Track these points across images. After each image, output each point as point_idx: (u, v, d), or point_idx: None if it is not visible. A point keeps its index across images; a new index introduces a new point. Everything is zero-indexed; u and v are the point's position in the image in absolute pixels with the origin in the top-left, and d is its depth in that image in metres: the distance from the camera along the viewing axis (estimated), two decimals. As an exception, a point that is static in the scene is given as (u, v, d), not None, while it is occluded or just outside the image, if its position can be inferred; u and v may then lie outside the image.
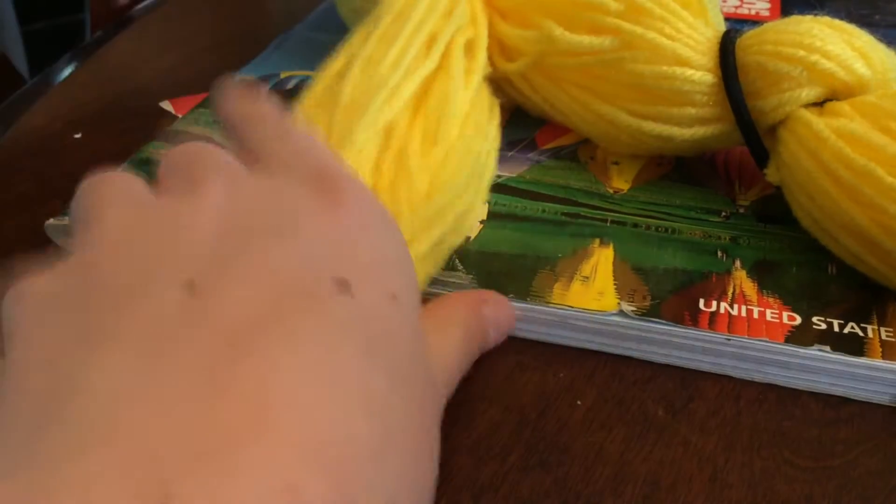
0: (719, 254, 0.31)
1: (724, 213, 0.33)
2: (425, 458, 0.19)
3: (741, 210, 0.33)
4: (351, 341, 0.18)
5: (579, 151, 0.36)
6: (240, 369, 0.16)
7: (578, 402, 0.27)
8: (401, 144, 0.28)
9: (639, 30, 0.32)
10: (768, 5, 0.51)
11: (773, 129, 0.32)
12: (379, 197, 0.27)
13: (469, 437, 0.26)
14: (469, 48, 0.33)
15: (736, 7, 0.50)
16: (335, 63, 0.31)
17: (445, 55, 0.31)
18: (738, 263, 0.30)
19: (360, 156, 0.27)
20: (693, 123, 0.32)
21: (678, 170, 0.35)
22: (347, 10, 0.42)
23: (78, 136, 0.41)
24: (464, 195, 0.29)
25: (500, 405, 0.27)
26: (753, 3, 0.51)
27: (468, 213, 0.31)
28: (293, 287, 0.18)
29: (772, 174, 0.32)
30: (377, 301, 0.19)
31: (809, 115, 0.30)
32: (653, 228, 0.32)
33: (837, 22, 0.31)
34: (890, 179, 0.27)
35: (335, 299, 0.18)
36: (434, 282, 0.29)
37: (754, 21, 0.49)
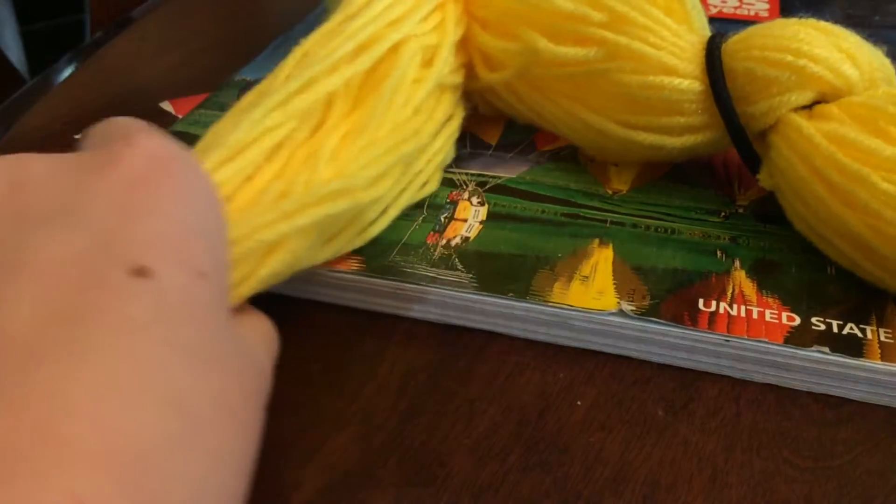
0: (718, 254, 0.31)
1: (723, 214, 0.33)
2: (241, 441, 0.18)
3: (740, 210, 0.33)
4: (149, 334, 0.17)
5: (579, 153, 0.36)
6: (27, 384, 0.15)
7: (578, 403, 0.27)
8: (321, 136, 0.28)
9: (623, 40, 0.31)
10: (767, 6, 0.51)
11: (764, 135, 0.31)
12: (280, 177, 0.26)
13: (469, 437, 0.26)
14: (427, 56, 0.32)
15: (735, 7, 0.50)
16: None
17: (389, 59, 0.31)
18: (737, 263, 0.30)
19: (267, 136, 0.27)
20: (683, 132, 0.32)
21: (677, 171, 0.35)
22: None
23: (78, 136, 0.41)
24: (370, 189, 0.28)
25: (500, 405, 0.27)
26: (753, 4, 0.51)
27: (369, 221, 0.30)
28: (82, 279, 0.17)
29: (764, 180, 0.31)
30: (182, 281, 0.18)
31: (800, 120, 0.29)
32: (652, 229, 0.32)
33: (823, 24, 0.31)
34: (884, 185, 0.27)
35: (131, 287, 0.17)
36: (433, 280, 0.29)
37: (754, 22, 0.49)
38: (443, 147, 0.34)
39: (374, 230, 0.30)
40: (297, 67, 0.29)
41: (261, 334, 0.24)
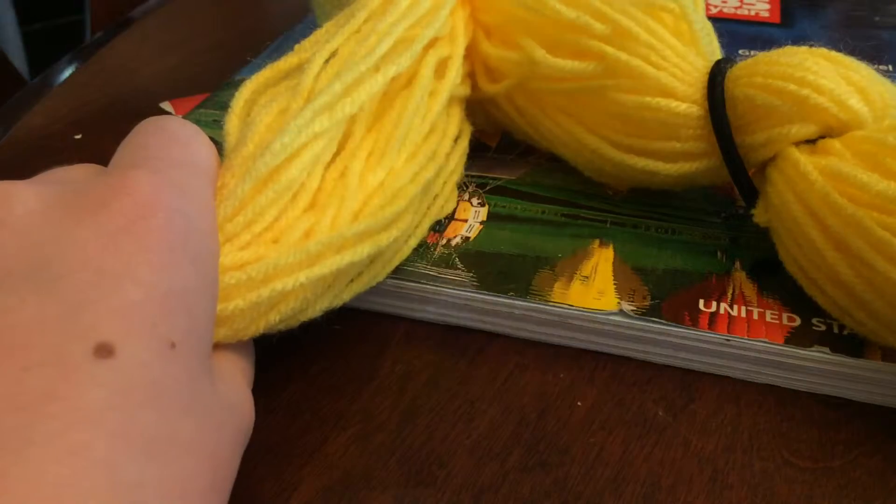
0: (719, 254, 0.31)
1: (723, 214, 0.33)
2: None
3: (740, 211, 0.33)
4: (101, 426, 0.17)
5: (579, 152, 0.36)
6: None
7: (578, 403, 0.27)
8: (348, 154, 0.27)
9: (623, 56, 0.30)
10: (768, 6, 0.51)
11: (764, 168, 0.29)
12: (313, 205, 0.25)
13: (469, 437, 0.26)
14: (440, 67, 0.31)
15: (736, 8, 0.50)
16: (291, 56, 0.30)
17: (414, 67, 0.30)
18: (737, 264, 0.30)
19: (316, 144, 0.26)
20: (678, 158, 0.31)
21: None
22: (323, 18, 0.41)
23: (78, 136, 0.41)
24: (392, 228, 0.27)
25: (500, 405, 0.27)
26: (753, 4, 0.51)
27: (393, 253, 0.29)
28: (44, 355, 0.17)
29: (759, 215, 0.29)
30: (148, 357, 0.18)
31: (797, 154, 0.27)
32: (652, 229, 0.32)
33: (835, 54, 0.28)
34: (879, 231, 0.25)
35: (90, 370, 0.17)
36: (433, 279, 0.29)
37: (754, 22, 0.49)
38: (456, 168, 0.33)
39: (397, 260, 0.29)
40: (331, 67, 0.28)
41: (239, 368, 0.24)
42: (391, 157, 0.28)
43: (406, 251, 0.30)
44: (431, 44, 0.31)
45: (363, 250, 0.26)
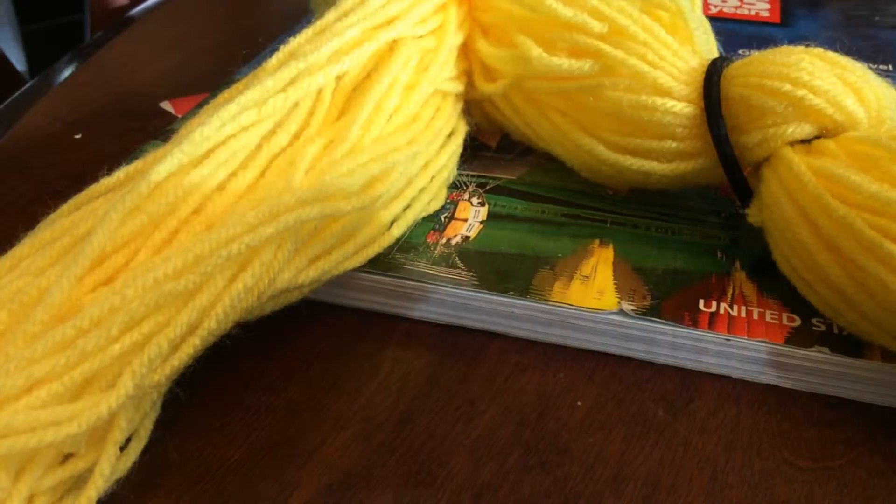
0: (719, 254, 0.31)
1: (723, 214, 0.33)
2: None
3: (740, 210, 0.33)
4: None
5: (579, 152, 0.36)
6: None
7: (578, 403, 0.27)
8: (302, 143, 0.27)
9: (619, 55, 0.30)
10: (768, 6, 0.51)
11: (759, 168, 0.30)
12: (254, 187, 0.26)
13: (469, 437, 0.26)
14: (422, 61, 0.31)
15: (736, 7, 0.50)
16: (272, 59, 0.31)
17: (385, 63, 0.30)
18: (737, 264, 0.30)
19: (241, 135, 0.26)
20: (673, 158, 0.31)
21: (678, 170, 0.35)
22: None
23: (78, 136, 0.41)
24: (352, 198, 0.27)
25: (500, 405, 0.27)
26: (753, 4, 0.51)
27: (367, 240, 0.29)
28: None
29: (753, 215, 0.30)
30: None
31: (791, 154, 0.27)
32: (652, 229, 0.32)
33: (831, 54, 0.29)
34: (870, 233, 0.25)
35: None
36: (433, 278, 0.29)
37: (754, 22, 0.49)
38: (447, 164, 0.33)
39: (376, 248, 0.29)
40: (281, 67, 0.29)
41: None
42: (350, 141, 0.28)
43: (387, 239, 0.30)
44: (401, 42, 0.31)
45: (314, 210, 0.25)
